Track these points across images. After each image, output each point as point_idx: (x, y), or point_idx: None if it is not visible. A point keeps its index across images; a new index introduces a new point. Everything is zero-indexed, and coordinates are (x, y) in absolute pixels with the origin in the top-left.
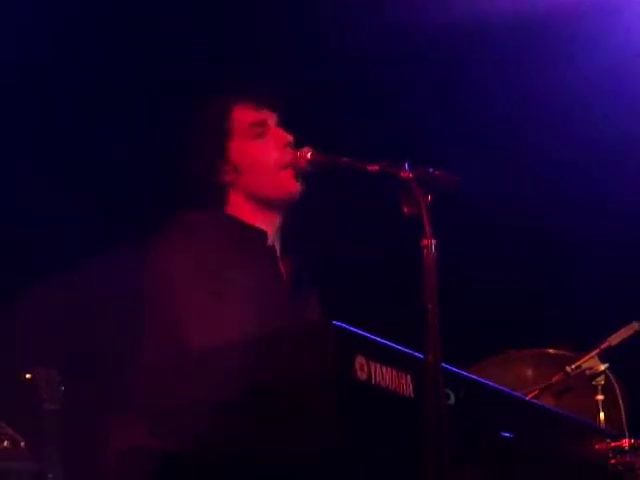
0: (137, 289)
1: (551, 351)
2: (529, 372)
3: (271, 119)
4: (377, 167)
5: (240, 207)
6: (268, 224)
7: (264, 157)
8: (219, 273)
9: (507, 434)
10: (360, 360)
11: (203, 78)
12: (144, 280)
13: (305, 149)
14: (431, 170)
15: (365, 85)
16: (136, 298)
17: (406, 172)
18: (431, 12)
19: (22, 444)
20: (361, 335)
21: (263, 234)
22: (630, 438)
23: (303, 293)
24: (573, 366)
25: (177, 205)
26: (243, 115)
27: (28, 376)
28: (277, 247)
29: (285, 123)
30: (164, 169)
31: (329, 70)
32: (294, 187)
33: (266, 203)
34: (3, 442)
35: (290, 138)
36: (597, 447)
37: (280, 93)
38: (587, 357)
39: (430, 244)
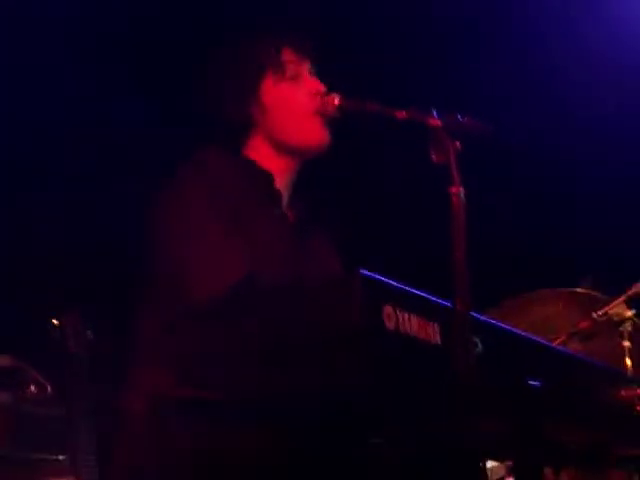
0: (151, 227)
1: (579, 290)
2: (557, 310)
3: (306, 65)
4: (405, 114)
5: (258, 150)
6: (283, 169)
7: (294, 101)
8: (230, 214)
9: (534, 382)
10: (388, 309)
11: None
12: (157, 217)
13: (333, 95)
14: (460, 117)
15: (393, 28)
16: (150, 237)
17: (434, 119)
18: None
19: (49, 389)
20: (388, 284)
21: (269, 177)
22: None
23: (312, 239)
24: (600, 312)
25: (194, 141)
26: (285, 54)
27: (55, 322)
28: (287, 193)
29: (319, 72)
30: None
31: (363, 19)
32: (323, 136)
33: (289, 149)
34: (30, 387)
35: (323, 88)
36: (623, 394)
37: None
38: (614, 303)
39: (459, 192)
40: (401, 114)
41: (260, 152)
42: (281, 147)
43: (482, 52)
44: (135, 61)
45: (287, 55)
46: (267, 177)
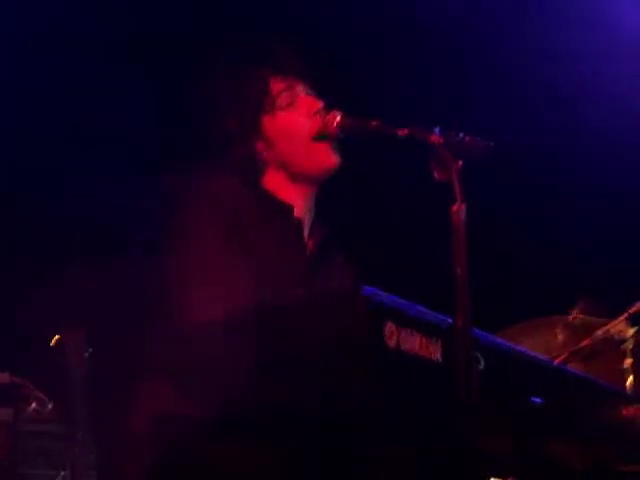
0: (158, 253)
1: (581, 317)
2: (559, 338)
3: (299, 87)
4: (407, 131)
5: (273, 180)
6: (301, 196)
7: (295, 128)
8: (242, 246)
9: (536, 400)
10: (390, 326)
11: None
12: (165, 244)
13: (333, 113)
14: (461, 135)
15: (394, 47)
16: (158, 262)
17: (436, 137)
18: None
19: (50, 406)
20: (390, 301)
21: (289, 208)
22: None
23: (331, 262)
24: (601, 330)
25: (205, 172)
26: (274, 86)
27: (55, 339)
28: (308, 218)
29: (315, 90)
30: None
31: (357, 36)
32: (331, 160)
33: (301, 176)
34: (31, 404)
35: (321, 105)
36: (625, 412)
37: (307, 59)
38: (616, 321)
39: (460, 210)
40: (402, 132)
41: (276, 183)
42: (294, 175)
43: (482, 56)
44: (135, 61)
45: (276, 85)
46: (286, 208)
